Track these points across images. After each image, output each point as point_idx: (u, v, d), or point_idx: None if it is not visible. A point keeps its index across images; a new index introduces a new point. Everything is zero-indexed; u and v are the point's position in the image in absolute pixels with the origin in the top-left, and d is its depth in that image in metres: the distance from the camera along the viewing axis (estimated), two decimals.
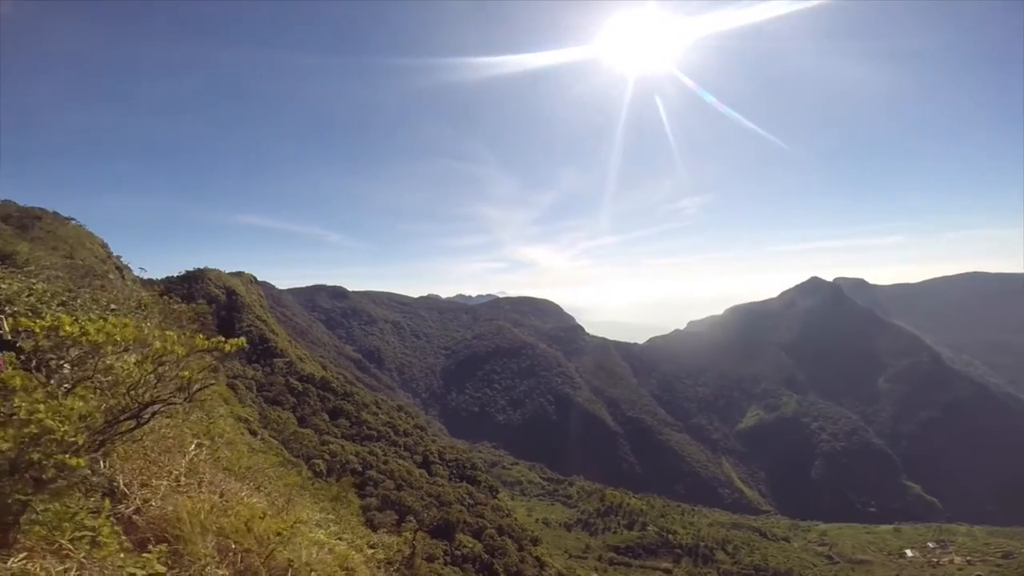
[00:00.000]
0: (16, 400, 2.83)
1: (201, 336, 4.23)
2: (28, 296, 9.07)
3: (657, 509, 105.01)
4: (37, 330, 3.35)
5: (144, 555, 3.27)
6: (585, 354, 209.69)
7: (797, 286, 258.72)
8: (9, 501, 2.85)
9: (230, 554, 4.13)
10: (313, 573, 4.58)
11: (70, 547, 3.03)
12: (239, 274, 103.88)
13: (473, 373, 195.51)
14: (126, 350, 3.64)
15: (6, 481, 2.84)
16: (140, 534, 3.73)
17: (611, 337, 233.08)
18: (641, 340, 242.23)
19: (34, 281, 10.58)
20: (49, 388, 3.15)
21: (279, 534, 4.91)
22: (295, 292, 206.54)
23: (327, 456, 55.44)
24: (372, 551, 8.91)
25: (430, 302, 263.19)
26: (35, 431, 2.77)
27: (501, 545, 50.56)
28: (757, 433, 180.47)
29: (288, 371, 77.52)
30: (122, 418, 3.58)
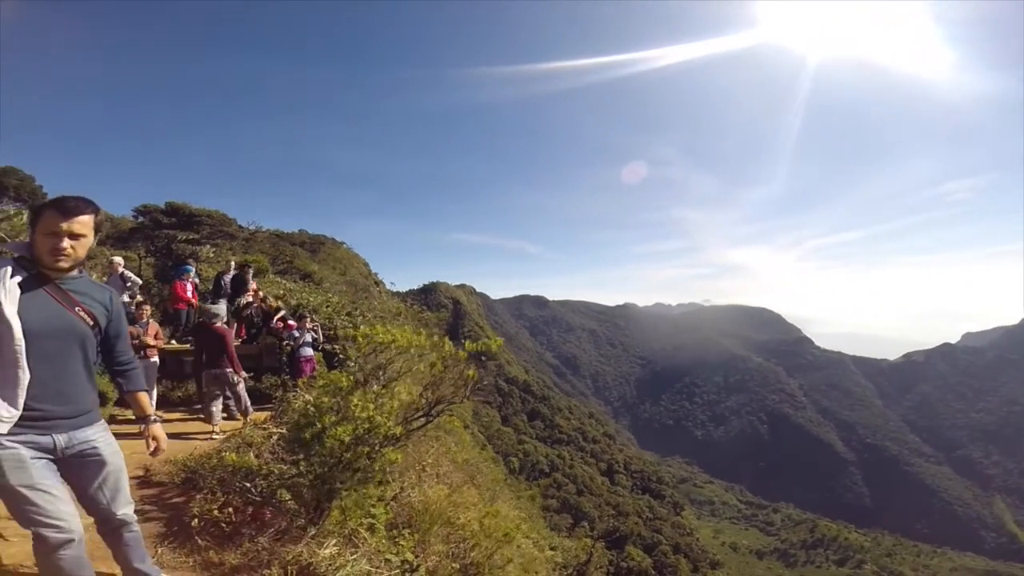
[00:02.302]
0: (354, 399, 3.24)
1: (469, 341, 4.42)
2: (327, 307, 11.61)
3: (884, 547, 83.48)
4: (359, 337, 3.91)
5: (400, 543, 3.52)
6: (814, 370, 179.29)
7: None
8: (327, 487, 3.21)
9: (459, 545, 4.26)
10: (504, 570, 4.51)
11: (364, 533, 3.33)
12: (462, 286, 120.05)
13: (671, 385, 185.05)
14: (421, 355, 4.05)
15: (335, 469, 3.21)
16: (393, 518, 4.01)
17: (850, 351, 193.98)
18: (893, 356, 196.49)
19: (331, 295, 13.58)
20: (376, 389, 3.58)
21: (506, 535, 4.90)
22: (504, 302, 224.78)
23: (521, 455, 58.61)
24: (552, 552, 8.74)
25: (627, 311, 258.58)
26: (367, 427, 3.11)
27: (673, 563, 46.74)
28: None
29: (497, 373, 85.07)
30: (417, 415, 3.95)
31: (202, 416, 6.64)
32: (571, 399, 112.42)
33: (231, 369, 6.15)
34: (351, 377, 3.72)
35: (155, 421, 2.31)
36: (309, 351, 7.58)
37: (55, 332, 1.91)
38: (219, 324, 6.31)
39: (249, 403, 6.38)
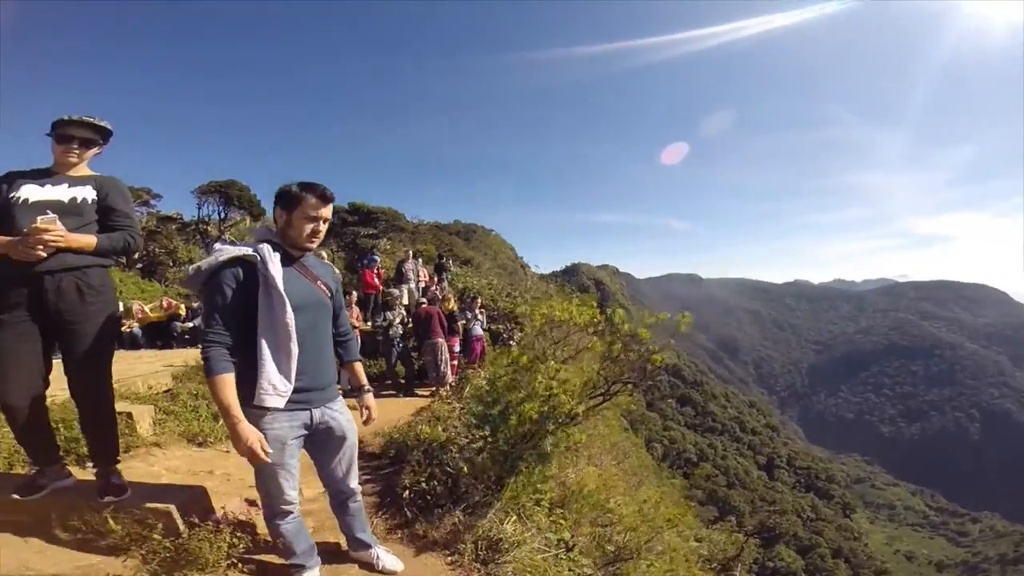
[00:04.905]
0: (538, 375, 3.24)
1: (647, 312, 4.13)
2: (489, 289, 12.37)
3: None
4: (536, 315, 3.96)
5: (559, 522, 3.50)
6: None
7: None
8: (510, 463, 3.24)
9: (607, 528, 4.12)
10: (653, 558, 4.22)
11: (535, 510, 3.33)
12: (604, 267, 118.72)
13: (853, 373, 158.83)
14: (596, 332, 3.94)
15: (519, 446, 3.24)
16: (554, 496, 3.88)
17: None
18: None
19: (492, 278, 14.44)
20: (555, 365, 3.56)
21: (668, 520, 4.70)
22: (650, 281, 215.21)
23: (666, 442, 55.88)
24: (697, 544, 8.00)
25: (798, 288, 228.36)
26: (553, 405, 3.09)
27: (830, 568, 41.44)
28: None
29: (643, 356, 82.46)
30: (595, 393, 3.83)
31: (394, 391, 7.63)
32: (728, 386, 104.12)
33: (441, 339, 7.24)
34: (528, 354, 3.77)
35: (369, 391, 2.37)
36: (479, 331, 8.17)
37: (310, 306, 2.06)
38: (426, 305, 7.67)
39: (449, 372, 7.23)
